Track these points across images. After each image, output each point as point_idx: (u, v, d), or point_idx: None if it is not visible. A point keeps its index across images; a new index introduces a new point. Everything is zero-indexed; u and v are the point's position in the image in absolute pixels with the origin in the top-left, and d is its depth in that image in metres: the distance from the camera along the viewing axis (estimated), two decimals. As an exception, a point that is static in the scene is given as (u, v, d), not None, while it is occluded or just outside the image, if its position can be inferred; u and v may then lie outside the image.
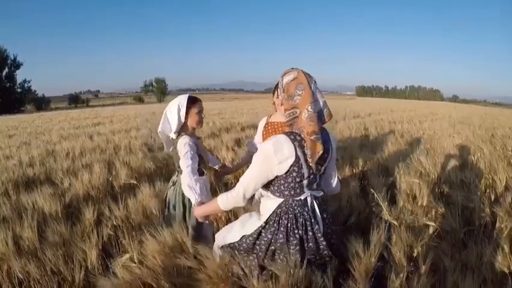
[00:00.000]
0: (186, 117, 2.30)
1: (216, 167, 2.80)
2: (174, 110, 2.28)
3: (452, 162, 4.00)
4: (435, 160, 4.01)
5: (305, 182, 1.57)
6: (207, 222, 2.06)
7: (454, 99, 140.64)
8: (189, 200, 2.21)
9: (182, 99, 2.29)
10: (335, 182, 1.84)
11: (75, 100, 63.34)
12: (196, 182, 2.10)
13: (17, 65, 47.36)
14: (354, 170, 4.11)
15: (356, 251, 1.62)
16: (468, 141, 6.16)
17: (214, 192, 2.98)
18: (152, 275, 1.65)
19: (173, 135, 2.33)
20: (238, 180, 1.59)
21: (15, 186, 3.74)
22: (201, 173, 2.32)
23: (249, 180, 1.55)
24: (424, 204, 2.72)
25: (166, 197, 2.49)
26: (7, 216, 2.77)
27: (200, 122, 2.36)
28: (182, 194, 2.29)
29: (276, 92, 2.12)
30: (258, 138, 2.56)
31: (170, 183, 2.46)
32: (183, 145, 2.20)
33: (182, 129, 2.34)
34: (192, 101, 2.30)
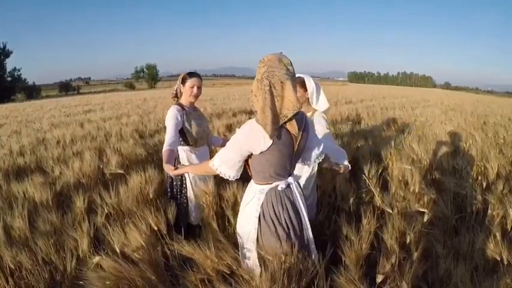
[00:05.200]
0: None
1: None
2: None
3: (444, 149, 4.02)
4: (427, 147, 4.02)
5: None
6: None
7: (446, 86, 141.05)
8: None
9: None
10: None
11: (66, 88, 62.10)
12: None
13: (6, 54, 45.60)
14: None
15: (348, 237, 1.62)
16: (460, 128, 6.19)
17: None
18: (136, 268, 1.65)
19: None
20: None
21: (6, 175, 3.68)
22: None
23: None
24: (416, 190, 2.73)
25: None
26: (-3, 206, 2.73)
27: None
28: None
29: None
30: None
31: None
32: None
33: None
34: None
